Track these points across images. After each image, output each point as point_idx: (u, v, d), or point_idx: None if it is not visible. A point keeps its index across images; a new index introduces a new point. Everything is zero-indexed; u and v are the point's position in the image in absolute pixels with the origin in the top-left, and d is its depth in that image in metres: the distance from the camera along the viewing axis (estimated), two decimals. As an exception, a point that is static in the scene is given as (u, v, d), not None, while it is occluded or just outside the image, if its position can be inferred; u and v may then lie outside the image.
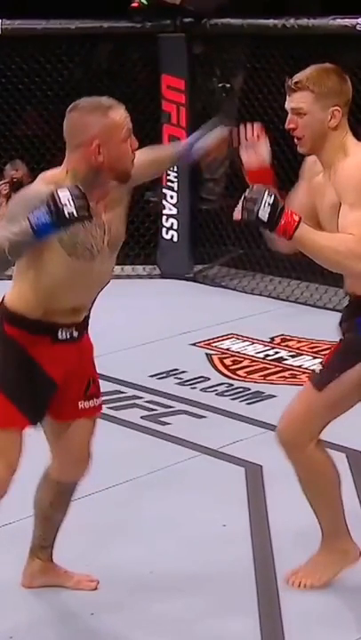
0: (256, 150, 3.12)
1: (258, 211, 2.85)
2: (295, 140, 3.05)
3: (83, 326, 3.01)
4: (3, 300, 2.99)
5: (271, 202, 2.85)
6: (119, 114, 2.88)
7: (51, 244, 2.81)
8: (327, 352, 3.25)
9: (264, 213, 2.85)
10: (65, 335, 2.95)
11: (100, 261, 2.91)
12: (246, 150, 3.12)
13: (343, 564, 3.31)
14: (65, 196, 2.71)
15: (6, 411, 2.93)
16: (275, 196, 2.87)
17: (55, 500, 3.14)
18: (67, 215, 2.70)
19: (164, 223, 6.79)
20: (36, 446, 3.09)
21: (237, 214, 2.91)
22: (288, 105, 3.06)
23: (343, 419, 3.16)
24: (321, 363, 3.20)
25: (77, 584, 3.25)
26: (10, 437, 2.97)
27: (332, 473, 3.25)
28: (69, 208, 2.70)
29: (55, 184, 2.79)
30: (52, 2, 7.12)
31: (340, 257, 2.94)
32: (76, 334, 2.98)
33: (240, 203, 2.89)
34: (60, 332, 2.94)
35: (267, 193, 2.86)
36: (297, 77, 3.05)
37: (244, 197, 2.88)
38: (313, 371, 3.25)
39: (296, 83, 3.03)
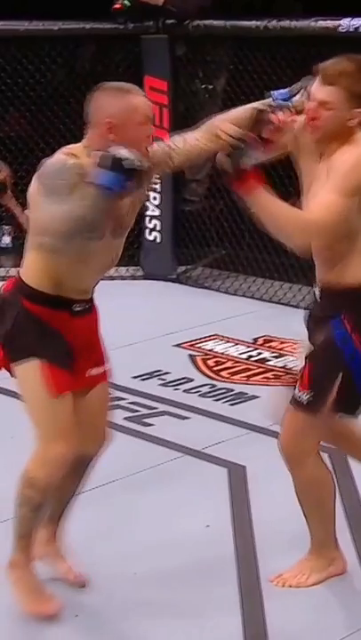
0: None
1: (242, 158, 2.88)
2: (308, 123, 3.01)
3: (92, 299, 3.12)
4: (19, 274, 3.08)
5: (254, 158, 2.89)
6: (138, 99, 2.99)
7: None
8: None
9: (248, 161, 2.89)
10: (79, 308, 3.06)
11: (109, 243, 3.00)
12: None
13: (330, 572, 3.33)
14: (123, 152, 2.80)
15: (60, 377, 3.01)
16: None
17: (69, 473, 3.14)
18: (136, 165, 2.79)
19: (147, 224, 6.79)
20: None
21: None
22: (315, 94, 3.00)
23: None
24: (300, 389, 3.11)
25: (66, 574, 3.28)
26: (66, 410, 3.03)
27: (330, 487, 3.27)
28: (132, 160, 2.79)
29: (74, 156, 2.90)
30: (34, 3, 7.12)
31: (290, 229, 2.95)
32: (88, 306, 3.09)
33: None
34: (75, 306, 3.05)
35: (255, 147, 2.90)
36: (331, 69, 2.98)
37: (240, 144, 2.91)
38: (297, 400, 3.12)
39: (336, 75, 2.96)
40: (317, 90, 3.00)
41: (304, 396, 3.11)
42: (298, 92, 3.08)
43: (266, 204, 2.95)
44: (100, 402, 3.19)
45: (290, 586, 3.29)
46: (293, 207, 2.98)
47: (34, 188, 2.99)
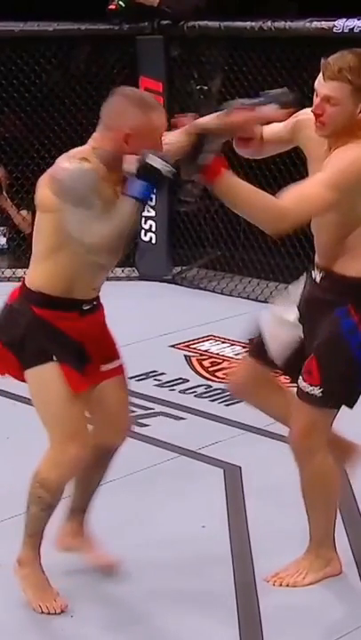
0: None
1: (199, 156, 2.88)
2: (315, 121, 2.99)
3: (98, 298, 3.16)
4: (23, 283, 3.11)
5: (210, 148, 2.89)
6: (160, 119, 3.00)
7: None
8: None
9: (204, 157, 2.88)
10: (88, 306, 3.10)
11: None
12: None
13: (326, 572, 3.32)
14: (156, 160, 2.85)
15: (74, 377, 3.05)
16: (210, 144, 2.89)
17: (93, 465, 3.23)
18: (165, 176, 2.87)
19: (143, 225, 6.79)
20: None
21: None
22: (320, 89, 2.97)
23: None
24: (308, 382, 3.10)
25: (98, 561, 3.35)
26: (79, 411, 3.09)
27: (337, 484, 3.27)
28: (165, 169, 2.86)
29: (86, 160, 2.94)
30: (29, 4, 7.12)
31: (262, 216, 2.94)
32: (95, 304, 3.13)
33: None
34: (83, 306, 3.09)
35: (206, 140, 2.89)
36: (337, 63, 2.94)
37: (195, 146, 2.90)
38: (309, 394, 3.11)
39: (338, 70, 2.93)
40: (321, 85, 2.97)
41: (316, 391, 3.09)
42: (269, 102, 3.08)
43: (235, 192, 2.92)
44: (118, 395, 3.24)
45: (287, 585, 3.29)
46: (266, 193, 2.94)
47: (46, 196, 2.99)
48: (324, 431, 3.19)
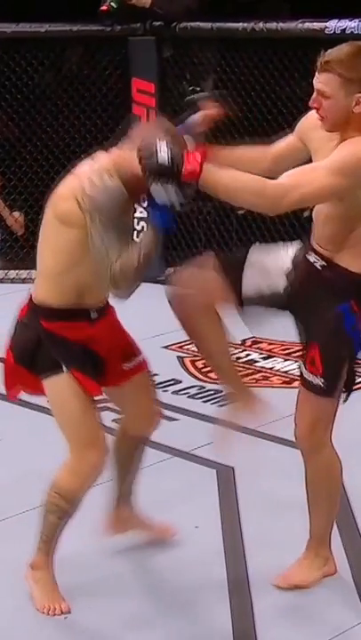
0: None
1: (157, 156, 2.80)
2: (318, 116, 2.97)
3: (107, 302, 3.20)
4: (31, 299, 3.12)
5: (167, 147, 2.80)
6: None
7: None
8: (301, 353, 3.22)
9: (164, 156, 2.80)
10: (96, 314, 3.13)
11: None
12: None
13: (324, 571, 3.33)
14: (170, 191, 2.85)
15: (88, 383, 3.10)
16: (169, 142, 2.82)
17: (130, 454, 3.40)
18: (178, 207, 2.92)
19: (135, 226, 6.77)
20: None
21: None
22: (314, 82, 2.96)
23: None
24: (311, 372, 3.10)
25: (158, 534, 3.52)
26: (96, 419, 3.14)
27: (340, 479, 3.28)
28: (179, 201, 2.90)
29: (110, 175, 2.93)
30: (21, 5, 7.12)
31: (254, 198, 2.91)
32: (104, 310, 3.17)
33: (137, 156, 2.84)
34: (92, 314, 3.11)
35: (158, 140, 2.81)
36: (328, 56, 2.93)
37: (138, 149, 2.84)
38: (313, 384, 3.12)
39: (327, 62, 2.91)
40: (315, 79, 2.96)
41: (320, 381, 3.10)
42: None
43: (220, 186, 2.89)
44: (144, 390, 3.33)
45: (295, 585, 3.27)
46: (254, 176, 2.90)
47: (73, 211, 2.96)
48: (329, 425, 3.20)
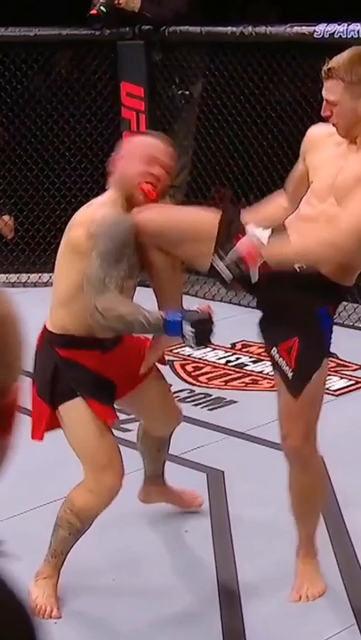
0: None
1: (223, 277, 2.95)
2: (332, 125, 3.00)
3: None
4: (45, 327, 3.15)
5: (223, 266, 2.94)
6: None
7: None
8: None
9: (228, 274, 2.94)
10: (110, 344, 3.17)
11: None
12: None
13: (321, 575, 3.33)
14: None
15: (103, 410, 3.13)
16: (217, 258, 2.95)
17: (156, 448, 3.59)
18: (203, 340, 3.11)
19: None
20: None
21: None
22: (323, 91, 2.99)
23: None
24: (285, 359, 3.12)
25: (191, 503, 3.72)
26: (112, 441, 3.18)
27: (327, 489, 3.28)
28: (199, 339, 3.07)
29: (115, 207, 3.04)
30: (10, 9, 7.11)
31: (320, 251, 2.98)
32: (118, 340, 3.20)
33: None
34: (105, 343, 3.15)
35: (213, 261, 2.95)
36: (331, 63, 2.96)
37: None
38: (283, 370, 3.14)
39: (328, 70, 2.94)
40: (323, 89, 3.00)
41: (289, 372, 3.09)
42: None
43: (287, 258, 3.00)
44: (158, 389, 3.40)
45: (313, 597, 3.25)
46: (311, 234, 2.99)
47: (79, 237, 3.03)
48: (316, 432, 3.20)
